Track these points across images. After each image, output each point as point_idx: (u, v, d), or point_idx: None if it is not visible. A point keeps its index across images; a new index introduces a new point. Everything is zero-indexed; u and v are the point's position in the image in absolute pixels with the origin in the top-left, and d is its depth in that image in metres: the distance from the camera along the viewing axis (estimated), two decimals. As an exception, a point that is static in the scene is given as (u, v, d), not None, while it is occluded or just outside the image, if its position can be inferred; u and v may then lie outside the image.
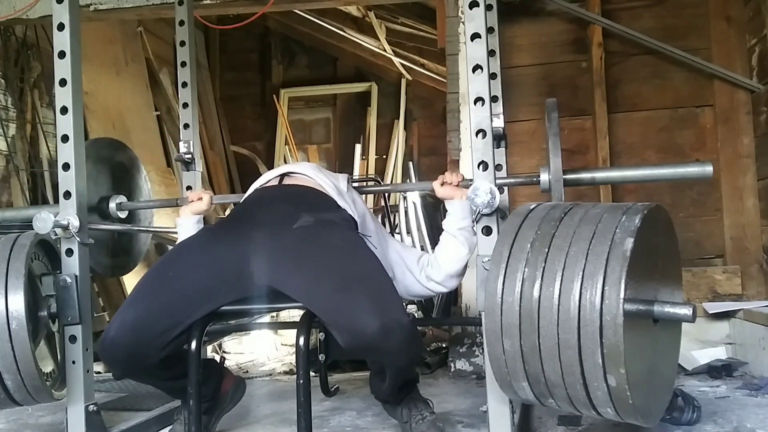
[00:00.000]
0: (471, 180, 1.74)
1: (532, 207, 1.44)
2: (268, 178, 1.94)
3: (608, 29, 2.86)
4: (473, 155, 1.61)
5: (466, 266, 1.85)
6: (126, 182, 2.43)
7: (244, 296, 1.61)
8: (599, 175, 1.75)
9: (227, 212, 2.11)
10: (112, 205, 2.27)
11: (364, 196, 2.17)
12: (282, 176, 1.90)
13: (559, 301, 1.24)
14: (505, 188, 2.28)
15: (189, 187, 2.37)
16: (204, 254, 1.66)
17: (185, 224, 2.00)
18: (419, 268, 1.89)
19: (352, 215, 1.79)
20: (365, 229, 1.82)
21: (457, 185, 1.81)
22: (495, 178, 1.59)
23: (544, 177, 1.65)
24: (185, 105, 2.40)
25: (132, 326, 1.52)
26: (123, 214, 2.32)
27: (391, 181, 5.82)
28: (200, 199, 2.01)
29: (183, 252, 1.75)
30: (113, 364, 1.58)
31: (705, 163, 1.61)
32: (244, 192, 1.96)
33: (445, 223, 1.84)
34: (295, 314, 2.45)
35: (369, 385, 1.85)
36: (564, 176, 1.62)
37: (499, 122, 1.94)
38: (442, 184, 1.83)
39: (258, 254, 1.60)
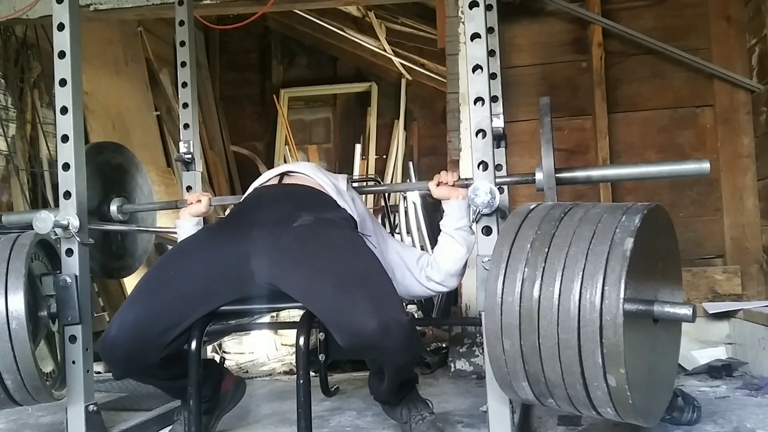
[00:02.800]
0: (467, 179, 1.76)
1: (532, 207, 1.44)
2: (267, 177, 1.94)
3: (608, 29, 2.86)
4: (473, 155, 1.61)
5: (465, 266, 1.85)
6: (127, 184, 2.43)
7: (244, 295, 1.61)
8: (595, 173, 1.74)
9: (227, 212, 2.11)
10: (113, 207, 2.27)
11: (363, 195, 2.17)
12: (281, 176, 1.91)
13: (559, 301, 1.24)
14: (505, 188, 2.29)
15: (189, 188, 2.37)
16: (204, 254, 1.66)
17: (184, 226, 2.01)
18: (419, 269, 1.89)
19: (352, 215, 1.79)
20: (364, 229, 1.82)
21: (453, 185, 1.81)
22: (495, 178, 1.59)
23: (539, 176, 1.65)
24: (185, 105, 2.40)
25: (133, 326, 1.52)
26: (124, 217, 2.31)
27: (392, 182, 5.83)
28: (199, 201, 2.02)
29: (183, 252, 1.75)
30: (114, 364, 1.58)
31: (702, 161, 1.60)
32: (244, 192, 1.96)
33: (442, 224, 1.84)
34: (295, 314, 2.45)
35: (368, 386, 1.85)
36: (557, 175, 1.62)
37: (499, 122, 1.94)
38: (438, 185, 1.83)
39: (258, 253, 1.61)
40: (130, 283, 3.62)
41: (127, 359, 1.54)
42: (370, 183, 4.14)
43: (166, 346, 1.54)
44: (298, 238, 1.63)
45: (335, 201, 1.80)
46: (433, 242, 3.88)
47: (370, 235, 1.80)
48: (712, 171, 2.76)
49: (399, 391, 1.77)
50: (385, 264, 1.71)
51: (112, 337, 1.51)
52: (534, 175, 1.66)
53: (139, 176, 2.51)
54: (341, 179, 1.94)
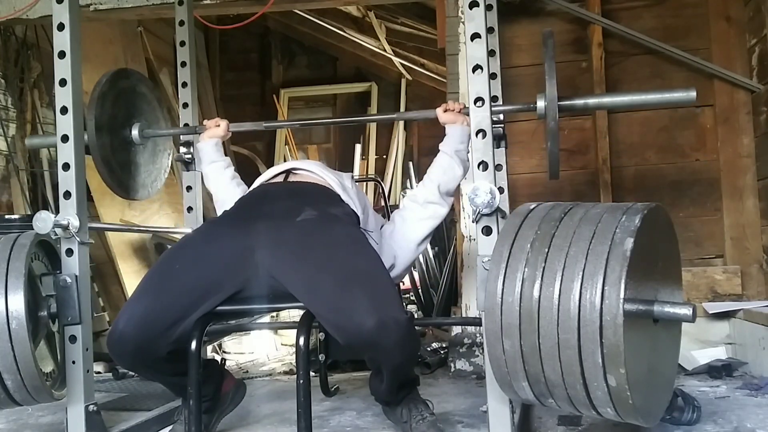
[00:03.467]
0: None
1: (532, 207, 1.44)
2: (273, 173, 1.96)
3: (608, 29, 2.86)
4: (473, 155, 1.61)
5: (456, 190, 1.90)
6: (148, 113, 2.41)
7: (247, 287, 1.62)
8: (591, 101, 1.82)
9: (227, 207, 2.12)
10: (135, 132, 2.27)
11: (365, 185, 2.20)
12: (287, 173, 1.92)
13: (559, 301, 1.24)
14: (505, 188, 2.29)
15: (189, 188, 2.38)
16: (209, 247, 1.68)
17: (205, 148, 2.13)
18: (401, 216, 1.90)
19: (355, 210, 1.81)
20: (367, 225, 1.84)
21: (459, 112, 1.89)
22: (494, 179, 1.60)
23: (540, 104, 1.69)
24: (185, 105, 2.40)
25: (140, 319, 1.53)
26: (143, 141, 2.31)
27: (392, 181, 5.83)
28: (218, 125, 2.14)
29: (188, 245, 1.76)
30: (121, 358, 1.58)
31: (689, 90, 1.70)
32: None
33: (442, 145, 1.89)
34: (295, 314, 2.45)
35: (368, 386, 1.85)
36: (559, 102, 1.67)
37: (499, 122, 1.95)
38: (444, 111, 1.90)
39: (261, 246, 1.62)
40: (131, 283, 3.63)
41: (135, 353, 1.54)
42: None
43: (174, 340, 1.55)
44: (301, 232, 1.64)
45: (339, 197, 1.82)
46: (433, 242, 3.89)
47: (373, 232, 1.81)
48: (712, 171, 2.80)
49: (399, 391, 1.77)
50: (386, 249, 1.72)
51: (119, 330, 1.52)
52: (535, 104, 1.71)
53: (159, 110, 2.50)
54: (346, 177, 1.97)
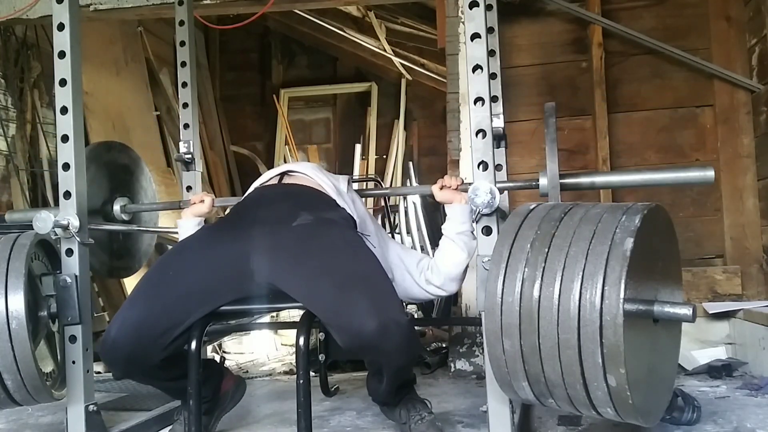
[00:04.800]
0: (470, 184, 1.75)
1: (532, 207, 1.44)
2: (268, 177, 1.95)
3: (608, 29, 2.86)
4: (473, 155, 1.61)
5: (465, 270, 1.84)
6: (130, 184, 2.43)
7: (244, 295, 1.61)
8: (599, 179, 1.71)
9: (227, 211, 2.12)
10: (116, 207, 2.28)
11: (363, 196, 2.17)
12: (282, 175, 1.91)
13: (559, 301, 1.24)
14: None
15: (189, 188, 2.37)
16: (204, 253, 1.66)
17: (186, 226, 2.01)
18: (419, 271, 1.89)
19: (351, 214, 1.79)
20: (364, 229, 1.82)
21: (456, 188, 1.80)
22: (495, 180, 1.59)
23: (543, 181, 1.63)
24: (185, 105, 2.40)
25: (133, 326, 1.52)
26: (127, 217, 2.32)
27: (391, 181, 5.82)
28: (202, 201, 2.03)
29: (183, 251, 1.75)
30: (114, 365, 1.57)
31: (706, 168, 1.57)
32: (245, 193, 1.97)
33: (444, 228, 1.84)
34: (295, 314, 2.45)
35: (366, 387, 1.85)
36: (561, 180, 1.61)
37: (499, 122, 1.94)
38: (441, 188, 1.82)
39: (257, 252, 1.60)
40: (131, 283, 3.62)
41: (128, 360, 1.53)
42: (370, 185, 4.12)
43: (166, 347, 1.54)
44: (298, 237, 1.63)
45: (335, 201, 1.80)
46: (433, 242, 3.89)
47: (370, 235, 1.80)
48: (714, 176, 2.78)
49: (398, 391, 1.77)
50: (385, 266, 1.71)
51: (112, 338, 1.51)
52: (537, 180, 1.64)
53: (144, 179, 2.51)
54: (341, 180, 1.94)
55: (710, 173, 1.56)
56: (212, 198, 2.05)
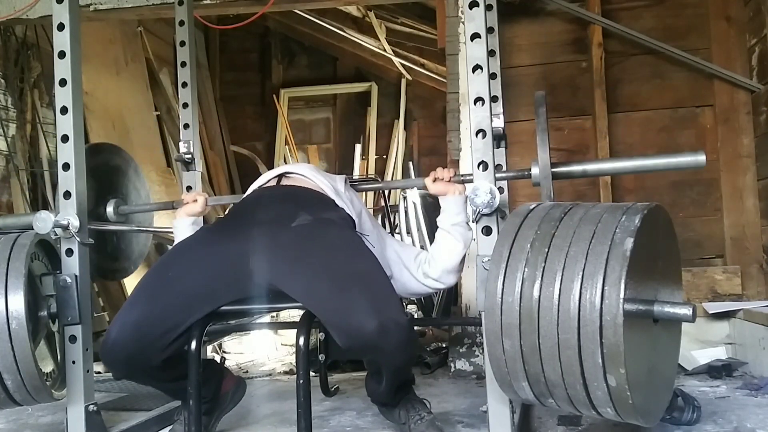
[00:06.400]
0: (463, 175, 1.78)
1: (532, 207, 1.44)
2: (266, 178, 1.95)
3: (608, 29, 2.86)
4: (473, 155, 1.61)
5: (462, 262, 1.84)
6: (124, 186, 2.43)
7: (244, 295, 1.61)
8: (591, 167, 1.71)
9: (227, 211, 2.13)
10: (110, 209, 2.28)
11: (363, 196, 2.17)
12: (280, 177, 1.91)
13: (559, 301, 1.24)
14: (505, 188, 2.29)
15: (189, 188, 2.38)
16: (203, 254, 1.66)
17: (180, 226, 2.03)
18: (416, 266, 1.89)
19: (350, 214, 1.80)
20: (363, 229, 1.82)
21: (449, 180, 1.81)
22: (494, 179, 1.59)
23: (534, 171, 1.65)
24: (185, 105, 2.40)
25: (133, 328, 1.52)
26: (120, 218, 2.32)
27: (391, 181, 5.83)
28: (195, 201, 2.04)
29: (182, 252, 1.75)
30: (115, 366, 1.57)
31: (698, 153, 1.58)
32: (244, 192, 1.97)
33: (439, 220, 1.85)
34: (295, 314, 2.45)
35: (365, 388, 1.85)
36: (553, 169, 1.62)
37: (499, 122, 1.94)
38: (434, 181, 1.83)
39: (257, 252, 1.61)
40: (130, 283, 3.62)
41: (128, 362, 1.53)
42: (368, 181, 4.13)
43: (166, 348, 1.54)
44: (297, 237, 1.63)
45: (333, 201, 1.81)
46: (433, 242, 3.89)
47: (369, 235, 1.80)
48: (712, 171, 2.80)
49: (397, 392, 1.77)
50: (383, 262, 1.71)
51: (112, 339, 1.51)
52: (530, 170, 1.66)
53: (137, 179, 2.51)
54: (339, 180, 1.94)
55: (701, 157, 1.56)
56: (205, 197, 2.07)
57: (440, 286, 1.90)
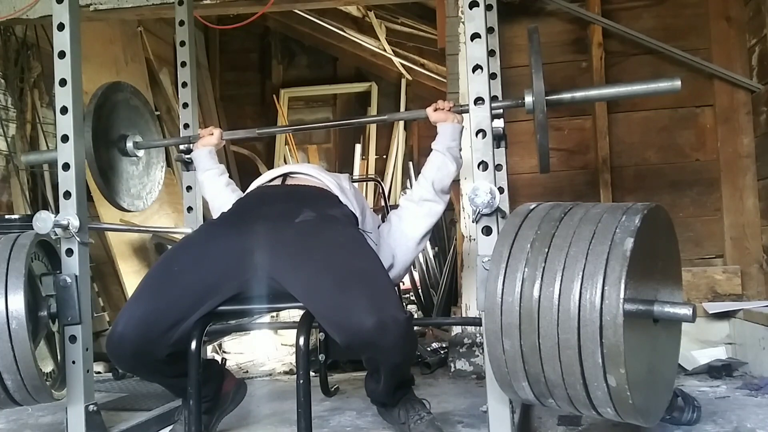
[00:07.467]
0: (462, 105, 1.87)
1: (532, 207, 1.44)
2: (270, 176, 1.97)
3: (608, 29, 2.86)
4: (473, 155, 1.61)
5: (450, 187, 1.89)
6: (142, 126, 2.47)
7: (247, 288, 1.62)
8: (578, 94, 1.82)
9: (231, 207, 2.15)
10: (129, 144, 2.34)
11: (364, 193, 2.19)
12: (284, 176, 1.92)
13: (559, 301, 1.24)
14: (505, 188, 2.29)
15: (189, 188, 2.38)
16: (208, 248, 1.68)
17: (199, 156, 2.19)
18: (403, 207, 1.91)
19: (354, 211, 1.82)
20: (365, 225, 1.84)
21: (449, 110, 1.89)
22: (494, 179, 1.60)
23: (528, 99, 1.70)
24: (185, 105, 2.40)
25: (140, 321, 1.52)
26: (139, 152, 2.39)
27: (392, 181, 5.83)
28: (211, 134, 2.21)
29: (187, 247, 1.76)
30: (121, 360, 1.58)
31: (674, 78, 1.69)
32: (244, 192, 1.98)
33: (434, 144, 1.89)
34: (295, 314, 2.45)
35: (365, 388, 1.85)
36: (547, 98, 1.68)
37: (499, 122, 1.95)
38: (435, 110, 1.91)
39: (260, 247, 1.62)
40: (131, 283, 3.63)
41: (134, 355, 1.54)
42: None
43: (172, 342, 1.55)
44: (300, 233, 1.64)
45: (338, 198, 1.83)
46: (434, 242, 3.89)
47: (371, 232, 1.82)
48: (712, 171, 2.80)
49: (396, 392, 1.77)
50: (384, 250, 1.73)
51: (118, 333, 1.52)
52: (523, 99, 1.72)
53: (152, 121, 2.55)
54: (343, 178, 1.97)
55: (677, 83, 1.67)
56: (220, 131, 2.22)
57: (424, 211, 1.88)
